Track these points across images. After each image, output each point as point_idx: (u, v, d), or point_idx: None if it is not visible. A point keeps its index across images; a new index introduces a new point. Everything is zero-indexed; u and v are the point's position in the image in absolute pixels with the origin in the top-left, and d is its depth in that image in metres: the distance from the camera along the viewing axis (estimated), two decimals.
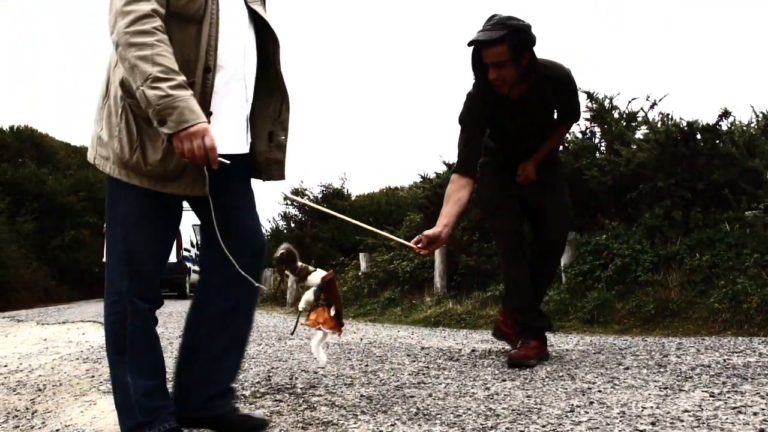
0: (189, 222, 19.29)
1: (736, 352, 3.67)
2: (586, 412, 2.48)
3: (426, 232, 3.46)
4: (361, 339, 5.40)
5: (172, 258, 16.16)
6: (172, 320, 8.24)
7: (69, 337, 6.50)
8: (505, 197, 3.88)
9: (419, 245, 3.44)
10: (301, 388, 3.24)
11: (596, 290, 6.03)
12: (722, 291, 5.20)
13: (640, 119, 7.53)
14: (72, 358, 4.64)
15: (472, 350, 4.44)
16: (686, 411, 2.41)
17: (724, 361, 3.39)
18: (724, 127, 6.60)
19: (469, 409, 2.64)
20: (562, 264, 6.66)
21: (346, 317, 9.11)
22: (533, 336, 3.74)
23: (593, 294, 5.99)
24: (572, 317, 5.99)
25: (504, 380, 3.22)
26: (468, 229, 8.31)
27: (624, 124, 7.51)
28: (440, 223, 3.50)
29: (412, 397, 2.92)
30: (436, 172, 10.08)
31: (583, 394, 2.80)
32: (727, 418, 2.29)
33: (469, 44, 3.53)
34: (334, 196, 18.38)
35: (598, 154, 7.58)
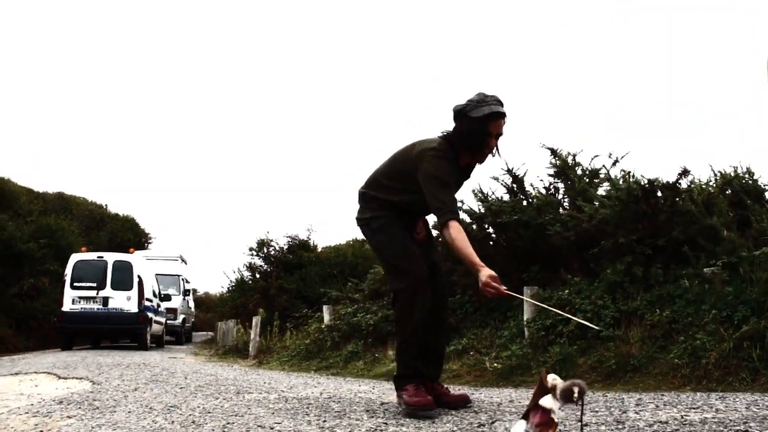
0: (152, 272, 19.08)
1: (694, 408, 3.69)
2: None
3: (493, 275, 3.65)
4: (321, 393, 5.34)
5: (134, 308, 15.90)
6: (130, 371, 8.10)
7: (20, 389, 6.33)
8: (415, 247, 4.10)
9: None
10: None
11: (558, 345, 6.05)
12: (681, 346, 5.26)
13: (602, 176, 7.66)
14: (21, 412, 4.51)
15: None
16: None
17: (682, 417, 3.40)
18: (684, 185, 6.73)
19: None
20: (524, 318, 6.68)
21: (308, 370, 9.02)
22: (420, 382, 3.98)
23: (555, 349, 6.00)
24: (534, 372, 5.99)
25: None
26: None
27: (587, 180, 7.63)
28: (483, 264, 3.72)
29: None
30: None
31: None
32: None
33: (497, 115, 3.87)
34: (300, 248, 18.33)
35: (561, 210, 7.67)
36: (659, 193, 6.53)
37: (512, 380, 6.03)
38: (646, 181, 6.57)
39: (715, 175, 7.19)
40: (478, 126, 3.87)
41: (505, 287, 3.63)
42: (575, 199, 7.32)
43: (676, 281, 5.88)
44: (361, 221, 4.25)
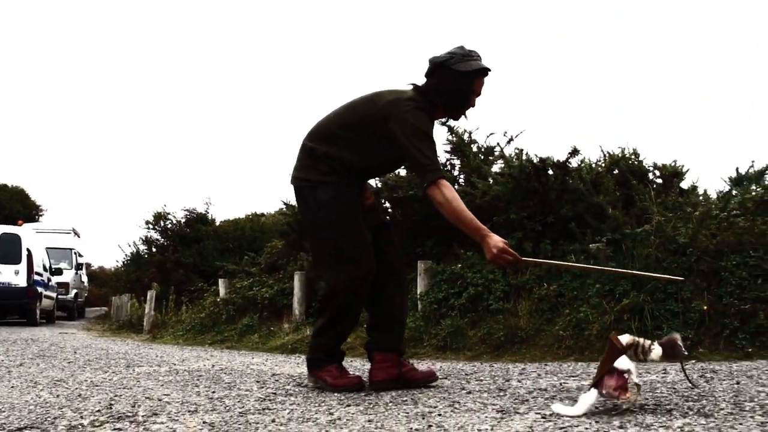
0: (42, 245, 18.44)
1: (573, 376, 3.85)
2: None
3: (504, 241, 3.37)
4: (213, 366, 5.31)
5: (22, 282, 15.35)
6: (16, 347, 7.85)
7: None
8: (367, 232, 3.66)
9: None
10: (143, 416, 3.15)
11: (450, 318, 6.18)
12: (566, 319, 5.46)
13: (497, 154, 7.82)
14: None
15: None
16: None
17: (560, 384, 3.55)
18: (574, 165, 6.94)
19: None
20: (418, 292, 6.80)
21: (203, 344, 8.94)
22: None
23: (447, 321, 6.14)
24: (426, 344, 6.11)
25: (349, 405, 3.24)
26: None
27: (482, 157, 7.77)
28: (488, 229, 3.41)
29: (255, 423, 2.89)
30: None
31: (423, 418, 2.85)
32: None
33: (486, 71, 3.57)
34: (197, 221, 18.05)
35: (456, 186, 7.81)
36: (550, 172, 6.73)
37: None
38: (537, 160, 6.76)
39: (604, 155, 7.45)
40: (463, 81, 3.53)
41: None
42: (470, 175, 7.46)
43: (563, 257, 6.08)
44: (305, 182, 3.62)
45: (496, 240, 3.34)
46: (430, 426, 2.69)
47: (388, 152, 3.57)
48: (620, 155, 7.21)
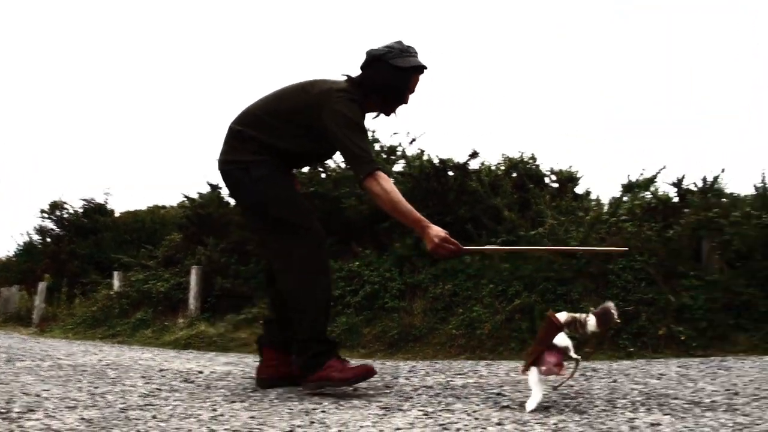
0: None
1: (460, 374, 3.90)
2: (306, 431, 2.53)
3: (445, 232, 3.29)
4: (100, 360, 5.16)
5: None
6: None
7: None
8: (303, 200, 3.55)
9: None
10: (17, 412, 3.03)
11: (345, 315, 6.18)
12: (460, 318, 5.54)
13: (399, 153, 7.86)
14: None
15: (212, 372, 4.39)
16: (398, 429, 2.52)
17: (447, 382, 3.60)
18: (475, 167, 7.05)
19: (190, 430, 2.60)
20: None
21: (93, 338, 8.69)
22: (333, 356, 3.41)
23: (342, 319, 6.14)
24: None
25: (233, 402, 3.20)
26: (226, 251, 8.23)
27: (384, 156, 7.81)
28: (427, 220, 3.33)
29: (135, 419, 2.82)
30: (198, 192, 9.90)
31: (307, 415, 2.84)
32: None
33: (422, 68, 3.50)
34: (95, 212, 17.51)
35: (358, 184, 7.82)
36: (450, 173, 6.81)
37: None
38: (438, 161, 6.83)
39: (504, 159, 7.58)
40: (399, 77, 3.46)
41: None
42: None
43: (459, 256, 6.17)
44: (235, 164, 3.45)
45: (437, 230, 3.29)
46: (312, 423, 2.68)
47: (317, 142, 3.45)
48: (519, 159, 7.35)
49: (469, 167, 6.88)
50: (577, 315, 2.88)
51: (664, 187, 6.57)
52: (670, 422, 2.50)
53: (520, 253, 5.63)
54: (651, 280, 5.26)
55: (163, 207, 18.28)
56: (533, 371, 2.77)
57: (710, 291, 5.13)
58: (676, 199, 6.29)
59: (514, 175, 7.22)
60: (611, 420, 2.55)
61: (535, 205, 6.39)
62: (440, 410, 2.84)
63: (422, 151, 7.21)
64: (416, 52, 3.51)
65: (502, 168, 7.41)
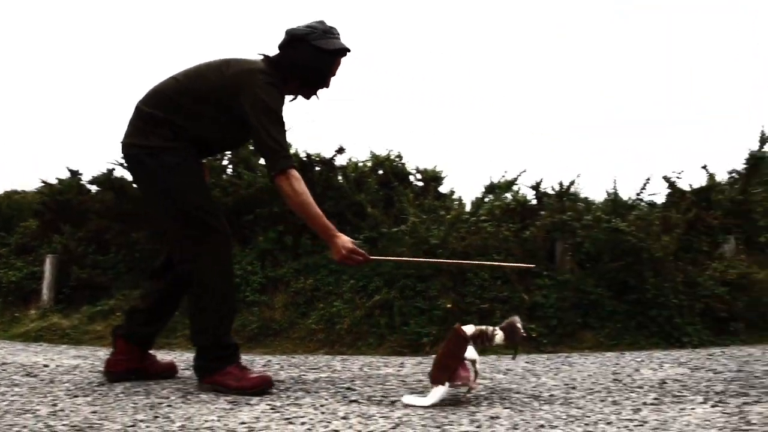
0: None
1: (314, 369, 3.90)
2: (148, 427, 2.47)
3: (352, 242, 3.30)
4: None
5: None
6: None
7: None
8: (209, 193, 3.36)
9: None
10: None
11: None
12: (320, 313, 5.54)
13: None
14: None
15: (58, 366, 4.21)
16: (243, 423, 2.50)
17: (299, 376, 3.59)
18: (342, 163, 7.06)
19: (25, 426, 2.49)
20: None
21: None
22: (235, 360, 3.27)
23: None
24: (179, 334, 5.96)
25: (76, 396, 3.09)
26: (84, 240, 7.91)
27: (251, 149, 7.71)
28: (335, 228, 3.34)
29: None
30: (58, 178, 9.46)
31: (152, 409, 2.78)
32: (277, 428, 2.41)
33: (346, 51, 3.34)
34: None
35: (224, 176, 7.69)
36: (317, 168, 6.80)
37: (156, 342, 5.95)
38: (305, 155, 6.81)
39: (371, 156, 7.62)
40: (322, 59, 3.29)
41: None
42: (237, 165, 7.37)
43: (321, 251, 6.17)
44: (144, 149, 3.17)
45: (345, 240, 3.26)
46: (156, 417, 2.62)
47: (231, 127, 3.24)
48: (386, 157, 7.41)
49: (336, 163, 6.89)
50: (484, 328, 2.94)
51: (525, 189, 6.81)
52: (509, 415, 2.58)
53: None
54: (506, 279, 5.42)
55: (20, 192, 17.44)
56: (446, 386, 2.79)
57: (561, 290, 5.34)
58: (534, 202, 6.51)
59: (381, 172, 7.27)
60: (454, 414, 2.62)
61: (399, 202, 6.46)
62: (288, 404, 2.84)
63: (289, 145, 7.16)
64: (339, 34, 3.35)
65: (369, 165, 7.45)
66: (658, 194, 6.65)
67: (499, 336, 2.94)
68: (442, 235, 5.64)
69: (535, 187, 6.53)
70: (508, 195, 6.97)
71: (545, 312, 5.23)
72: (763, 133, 6.48)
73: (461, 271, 5.49)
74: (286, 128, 3.16)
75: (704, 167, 6.62)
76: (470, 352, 2.83)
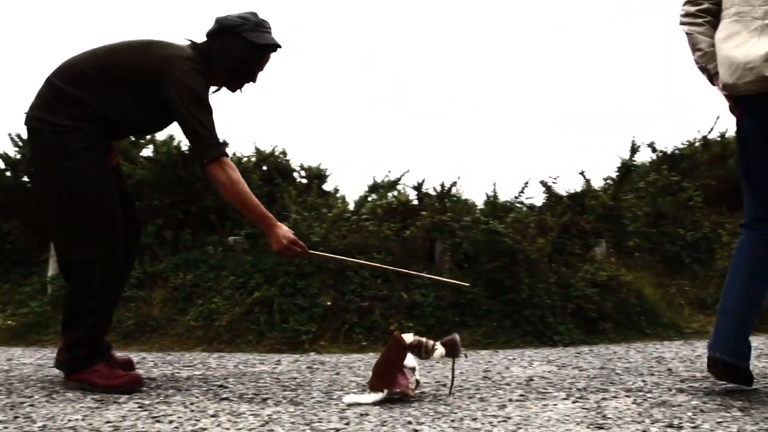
0: None
1: (188, 366, 3.86)
2: (6, 428, 2.39)
3: (292, 232, 3.19)
4: None
5: None
6: None
7: None
8: (114, 190, 3.13)
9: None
10: None
11: None
12: (199, 309, 5.46)
13: (147, 138, 7.60)
14: None
15: None
16: (109, 422, 2.46)
17: (172, 374, 3.54)
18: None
19: None
20: (48, 275, 6.39)
21: None
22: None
23: None
24: (51, 331, 5.76)
25: None
26: None
27: (132, 140, 7.52)
28: (274, 218, 3.20)
29: None
30: None
31: (12, 409, 2.69)
32: (143, 427, 2.38)
33: (276, 48, 3.26)
34: None
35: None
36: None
37: (26, 339, 5.74)
38: (186, 148, 6.70)
39: (256, 151, 7.57)
40: (253, 52, 3.20)
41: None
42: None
43: (202, 247, 6.08)
44: (48, 125, 2.97)
45: (285, 231, 3.16)
46: (16, 417, 2.54)
47: (149, 111, 3.10)
48: (270, 153, 7.36)
49: None
50: (424, 339, 2.95)
51: (409, 189, 6.90)
52: (378, 412, 2.63)
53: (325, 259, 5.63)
54: (386, 278, 5.49)
55: None
56: (384, 393, 2.80)
57: (439, 290, 5.44)
58: (416, 202, 6.60)
59: (264, 168, 7.23)
60: (324, 411, 2.64)
61: (281, 199, 6.44)
62: (157, 402, 2.80)
63: (171, 137, 7.03)
64: (270, 28, 3.27)
65: (253, 160, 7.39)
66: (534, 198, 6.85)
67: (439, 351, 2.97)
68: (323, 233, 5.66)
69: (417, 188, 6.63)
70: (393, 193, 7.06)
71: (423, 311, 5.32)
72: (633, 143, 6.80)
73: (341, 269, 5.52)
74: (213, 116, 3.07)
75: (581, 173, 6.88)
76: (409, 360, 2.89)
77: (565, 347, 4.96)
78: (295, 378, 3.42)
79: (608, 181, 7.27)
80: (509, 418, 2.55)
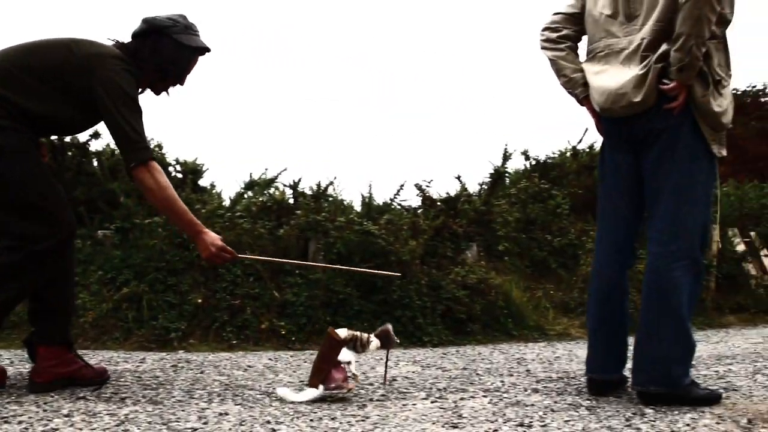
0: None
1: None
2: None
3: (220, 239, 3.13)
4: None
5: None
6: None
7: None
8: (58, 185, 3.04)
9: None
10: None
11: None
12: None
13: None
14: None
15: None
16: None
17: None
18: (98, 148, 6.77)
19: None
20: None
21: None
22: None
23: None
24: None
25: None
26: None
27: None
28: (202, 225, 3.15)
29: None
30: None
31: None
32: None
33: (207, 50, 3.19)
34: None
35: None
36: (69, 152, 6.49)
37: None
38: (56, 139, 6.48)
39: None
40: (183, 55, 3.14)
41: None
42: None
43: None
44: None
45: (213, 237, 3.10)
46: None
47: (77, 110, 2.98)
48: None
49: (90, 148, 6.60)
50: (358, 333, 2.97)
51: (285, 187, 6.90)
52: (238, 412, 2.63)
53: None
54: (258, 276, 5.48)
55: None
56: (320, 388, 2.83)
57: (312, 289, 5.47)
58: (292, 201, 6.62)
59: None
60: (183, 410, 2.63)
61: None
62: (8, 402, 2.72)
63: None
64: (198, 31, 3.22)
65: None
66: (409, 200, 6.99)
67: (374, 343, 3.01)
68: None
69: (294, 186, 6.65)
70: (272, 191, 7.04)
71: (295, 310, 5.33)
72: (506, 150, 7.03)
73: (213, 267, 5.47)
74: (142, 118, 2.98)
75: (458, 177, 7.05)
76: (345, 355, 2.90)
77: (434, 348, 5.07)
78: (157, 377, 3.37)
79: (483, 186, 7.48)
80: (368, 417, 2.61)
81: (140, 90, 3.17)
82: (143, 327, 5.14)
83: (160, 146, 7.22)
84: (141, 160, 2.92)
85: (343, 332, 2.94)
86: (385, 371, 3.27)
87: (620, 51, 2.91)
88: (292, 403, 2.83)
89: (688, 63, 2.69)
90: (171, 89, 3.29)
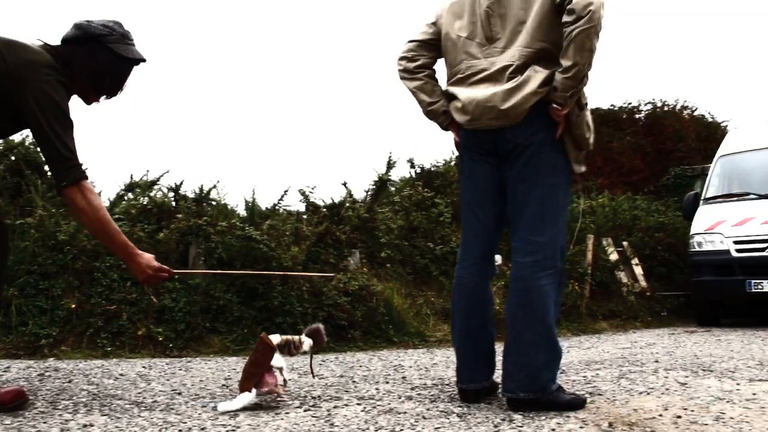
0: None
1: None
2: None
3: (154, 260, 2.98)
4: None
5: None
6: None
7: None
8: None
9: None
10: None
11: None
12: None
13: None
14: None
15: None
16: None
17: None
18: None
19: None
20: None
21: None
22: None
23: None
24: None
25: None
26: None
27: None
28: (134, 247, 2.97)
29: None
30: None
31: None
32: None
33: (143, 61, 3.01)
34: None
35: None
36: None
37: None
38: None
39: (3, 140, 7.06)
40: (119, 65, 2.96)
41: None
42: None
43: None
44: None
45: (148, 259, 2.95)
46: None
47: (2, 117, 2.79)
48: (20, 142, 6.91)
49: None
50: (290, 337, 3.01)
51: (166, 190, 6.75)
52: (104, 423, 2.56)
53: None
54: (135, 281, 5.34)
55: None
56: (253, 392, 2.84)
57: (191, 294, 5.37)
58: (174, 204, 6.48)
59: (12, 158, 6.77)
60: (44, 422, 2.54)
61: (27, 192, 6.08)
62: None
63: None
64: (134, 40, 3.03)
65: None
66: (293, 206, 6.97)
67: (307, 343, 3.06)
68: (71, 231, 5.42)
69: (175, 190, 6.52)
70: (154, 194, 6.87)
71: (174, 315, 5.24)
72: (390, 158, 7.11)
73: (88, 270, 5.30)
74: (74, 133, 2.80)
75: (344, 184, 7.08)
76: (277, 360, 2.90)
77: (314, 355, 5.07)
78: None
79: (368, 193, 7.54)
80: (238, 427, 2.58)
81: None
82: (11, 333, 4.94)
83: (35, 143, 6.94)
84: (73, 180, 2.76)
85: (276, 338, 2.98)
86: (311, 364, 3.41)
87: (481, 71, 2.98)
88: (226, 412, 2.81)
89: (579, 89, 2.81)
90: (103, 100, 3.10)
